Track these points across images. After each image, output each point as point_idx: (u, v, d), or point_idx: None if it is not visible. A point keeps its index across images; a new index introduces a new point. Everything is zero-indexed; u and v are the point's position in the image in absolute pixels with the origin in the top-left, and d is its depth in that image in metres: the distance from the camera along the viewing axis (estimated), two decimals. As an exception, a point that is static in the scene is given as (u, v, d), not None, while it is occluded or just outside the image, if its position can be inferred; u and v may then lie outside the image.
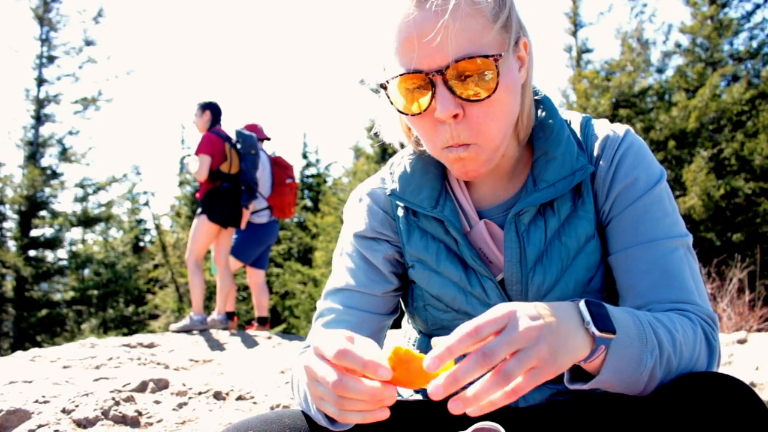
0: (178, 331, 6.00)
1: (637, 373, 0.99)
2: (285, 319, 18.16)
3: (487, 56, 1.05)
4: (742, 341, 4.31)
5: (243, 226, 6.41)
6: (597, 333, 0.91)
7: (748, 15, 15.53)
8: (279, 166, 6.71)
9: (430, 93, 1.09)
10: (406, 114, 1.14)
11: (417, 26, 1.05)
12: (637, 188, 1.21)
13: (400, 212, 1.34)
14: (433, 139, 1.16)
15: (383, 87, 1.15)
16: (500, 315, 0.85)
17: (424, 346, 1.41)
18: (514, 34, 1.13)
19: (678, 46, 15.95)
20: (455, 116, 1.09)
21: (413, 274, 1.33)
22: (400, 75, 1.09)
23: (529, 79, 1.22)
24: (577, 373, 1.04)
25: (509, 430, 1.22)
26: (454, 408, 0.79)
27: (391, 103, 1.15)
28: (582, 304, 0.94)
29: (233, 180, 6.21)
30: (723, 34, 15.04)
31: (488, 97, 1.08)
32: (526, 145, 1.31)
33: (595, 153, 1.26)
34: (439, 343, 0.81)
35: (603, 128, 1.29)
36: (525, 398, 1.30)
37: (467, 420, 1.20)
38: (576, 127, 1.31)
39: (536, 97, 1.32)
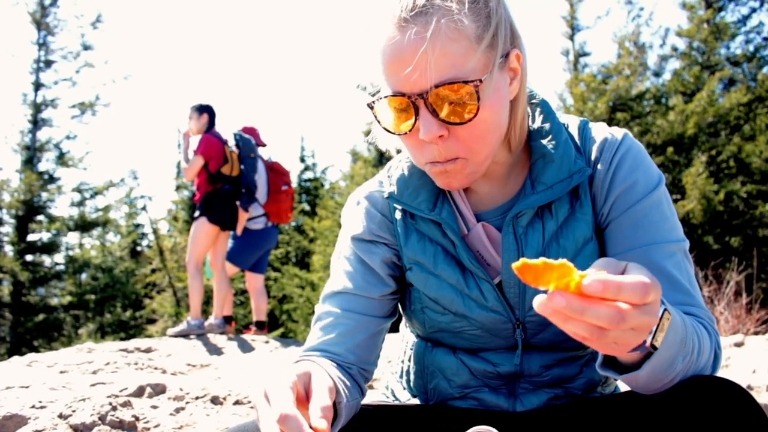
0: (175, 336, 5.99)
1: (667, 375, 1.00)
2: (283, 323, 18.14)
3: (467, 82, 1.05)
4: (739, 344, 4.31)
5: (239, 231, 6.41)
6: (647, 343, 0.88)
7: (744, 19, 15.58)
8: (275, 173, 6.71)
9: (413, 114, 1.10)
10: (393, 133, 1.16)
11: (399, 51, 1.06)
12: (636, 192, 1.22)
13: (398, 215, 1.34)
14: (418, 156, 1.18)
15: (370, 107, 1.16)
16: (659, 291, 0.80)
17: (421, 351, 1.41)
18: (502, 50, 1.12)
19: (675, 49, 15.99)
20: (440, 137, 1.10)
21: (411, 277, 1.33)
22: (384, 97, 1.11)
23: (523, 89, 1.21)
24: (608, 359, 1.03)
25: (507, 434, 1.22)
26: (554, 301, 0.74)
27: (378, 123, 1.17)
28: (661, 311, 0.89)
29: (234, 182, 6.21)
30: (719, 37, 15.08)
31: (470, 120, 1.08)
32: (524, 148, 1.31)
33: (593, 156, 1.26)
34: (607, 276, 0.75)
35: (601, 131, 1.29)
36: (522, 403, 1.31)
37: (464, 424, 1.20)
38: (574, 131, 1.31)
39: (533, 101, 1.32)
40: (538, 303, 0.75)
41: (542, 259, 0.75)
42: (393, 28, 1.07)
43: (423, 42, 1.03)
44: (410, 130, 1.12)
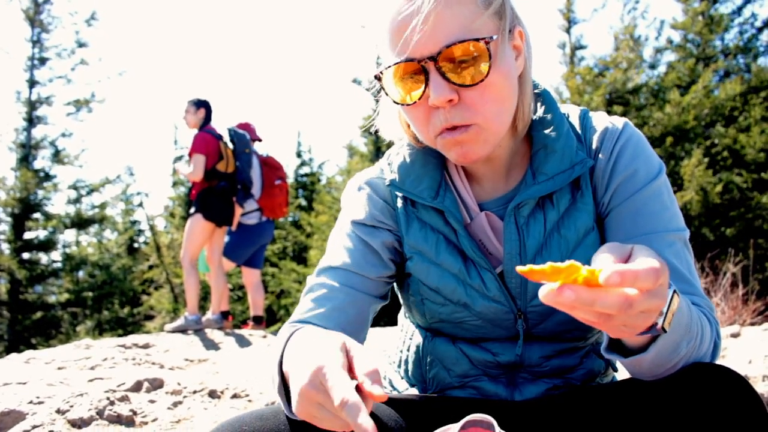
0: (173, 331, 5.99)
1: (671, 360, 1.00)
2: (280, 318, 18.13)
3: (477, 39, 1.05)
4: (735, 335, 4.32)
5: (234, 226, 6.41)
6: (659, 325, 0.88)
7: (738, 10, 15.58)
8: (269, 167, 6.69)
9: (423, 81, 1.09)
10: (402, 104, 1.15)
11: (407, 16, 1.06)
12: (637, 181, 1.22)
13: (399, 203, 1.34)
14: (426, 128, 1.16)
15: (378, 78, 1.15)
16: (666, 273, 0.80)
17: (421, 341, 1.41)
18: (509, 22, 1.13)
19: (670, 42, 15.99)
20: (450, 101, 1.09)
21: (411, 267, 1.33)
22: (394, 64, 1.10)
23: (528, 69, 1.22)
24: (613, 343, 1.03)
25: (506, 424, 1.22)
26: (564, 295, 0.73)
27: (387, 94, 1.16)
28: (670, 293, 0.89)
29: (230, 179, 6.20)
30: (714, 30, 15.09)
31: (482, 81, 1.08)
32: (525, 138, 1.31)
33: (594, 146, 1.27)
34: (623, 267, 0.74)
35: (601, 121, 1.30)
36: (521, 392, 1.31)
37: (461, 414, 1.20)
38: (575, 121, 1.31)
39: (536, 91, 1.32)
40: (545, 293, 0.74)
41: (549, 264, 0.75)
42: None
43: (430, 4, 1.04)
44: (420, 98, 1.12)
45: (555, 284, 0.74)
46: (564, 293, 0.73)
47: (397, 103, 1.16)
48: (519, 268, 0.76)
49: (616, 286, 0.73)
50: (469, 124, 1.12)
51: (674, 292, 0.89)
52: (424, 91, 1.10)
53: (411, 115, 1.17)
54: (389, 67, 1.11)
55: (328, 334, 0.96)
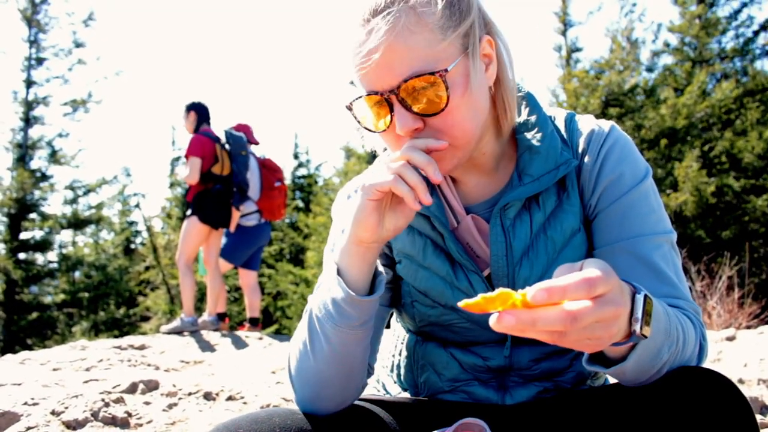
0: (169, 333, 5.99)
1: (653, 366, 1.01)
2: (277, 319, 18.13)
3: (432, 73, 1.06)
4: (731, 338, 4.33)
5: (233, 228, 6.40)
6: (638, 332, 0.88)
7: (735, 13, 15.60)
8: (268, 169, 6.69)
9: (388, 110, 1.11)
10: (372, 131, 1.18)
11: (366, 50, 1.08)
12: (624, 184, 1.22)
13: None
14: (398, 150, 1.17)
15: (348, 108, 1.18)
16: (610, 280, 0.80)
17: (412, 345, 1.42)
18: (473, 37, 1.13)
19: (667, 45, 16.03)
20: (416, 129, 1.11)
21: (400, 270, 1.34)
22: (359, 97, 1.13)
23: (505, 73, 1.22)
24: (594, 354, 1.03)
25: (498, 428, 1.23)
26: (504, 321, 0.74)
27: (358, 122, 1.18)
28: (640, 298, 0.89)
29: (225, 182, 6.19)
30: (711, 33, 15.12)
31: (442, 110, 1.09)
32: (511, 141, 1.32)
33: (581, 148, 1.27)
34: (549, 283, 0.76)
35: (588, 123, 1.30)
36: (512, 396, 1.31)
37: (453, 418, 1.21)
38: (560, 123, 1.32)
39: (519, 94, 1.33)
40: (492, 323, 0.75)
41: (480, 295, 0.77)
42: (359, 30, 1.09)
43: (386, 39, 1.05)
44: (388, 127, 1.14)
45: (497, 312, 0.76)
46: (504, 319, 0.74)
47: (369, 130, 1.18)
48: (459, 304, 0.79)
49: (544, 302, 0.75)
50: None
51: (645, 296, 0.89)
52: (391, 120, 1.12)
53: (384, 139, 1.20)
54: (356, 99, 1.14)
55: None
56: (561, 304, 0.76)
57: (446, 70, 1.07)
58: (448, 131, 1.12)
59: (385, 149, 1.40)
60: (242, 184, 6.24)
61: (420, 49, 1.06)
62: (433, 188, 1.32)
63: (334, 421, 1.18)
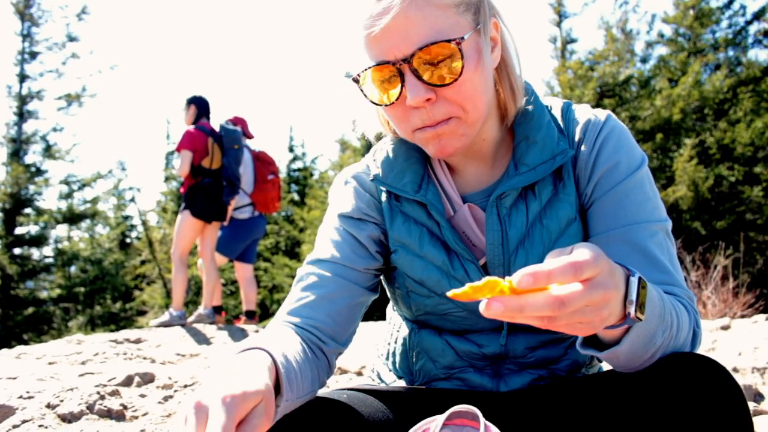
0: (158, 326, 6.01)
1: (647, 350, 1.01)
2: (273, 312, 18.13)
3: (449, 40, 1.06)
4: (725, 327, 4.35)
5: (227, 221, 6.41)
6: (632, 314, 0.89)
7: (729, 3, 15.61)
8: (261, 162, 6.68)
9: (399, 81, 1.11)
10: (380, 105, 1.16)
11: (379, 20, 1.07)
12: (619, 172, 1.23)
13: (384, 197, 1.35)
14: (406, 125, 1.18)
15: (355, 81, 1.17)
16: (599, 263, 0.80)
17: (408, 333, 1.42)
18: (482, 15, 1.14)
19: (661, 36, 16.04)
20: (428, 100, 1.11)
21: (396, 260, 1.34)
22: (370, 67, 1.12)
23: (509, 59, 1.24)
24: (588, 338, 1.04)
25: (491, 415, 1.23)
26: (492, 308, 0.75)
27: (365, 96, 1.17)
28: (635, 281, 0.89)
29: (214, 175, 6.19)
30: (704, 23, 15.13)
31: (455, 80, 1.09)
32: (509, 130, 1.32)
33: (577, 137, 1.28)
34: (535, 268, 0.76)
35: (584, 113, 1.31)
36: (507, 383, 1.32)
37: (447, 405, 1.21)
38: (557, 113, 1.32)
39: None
40: (482, 310, 0.75)
41: (468, 285, 0.77)
42: (372, 0, 1.08)
43: (401, 6, 1.05)
44: (398, 98, 1.13)
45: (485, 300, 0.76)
46: (492, 306, 0.75)
47: (376, 104, 1.17)
48: (448, 294, 0.78)
49: (530, 287, 0.75)
50: (449, 117, 1.14)
51: (639, 279, 0.90)
52: (401, 92, 1.12)
53: (390, 113, 1.19)
54: (366, 69, 1.13)
55: (257, 375, 0.90)
56: (548, 289, 0.76)
57: (463, 38, 1.08)
58: (460, 102, 1.12)
59: (378, 138, 1.40)
60: (232, 178, 6.22)
61: (434, 18, 1.06)
62: (429, 177, 1.32)
63: (329, 414, 1.14)
